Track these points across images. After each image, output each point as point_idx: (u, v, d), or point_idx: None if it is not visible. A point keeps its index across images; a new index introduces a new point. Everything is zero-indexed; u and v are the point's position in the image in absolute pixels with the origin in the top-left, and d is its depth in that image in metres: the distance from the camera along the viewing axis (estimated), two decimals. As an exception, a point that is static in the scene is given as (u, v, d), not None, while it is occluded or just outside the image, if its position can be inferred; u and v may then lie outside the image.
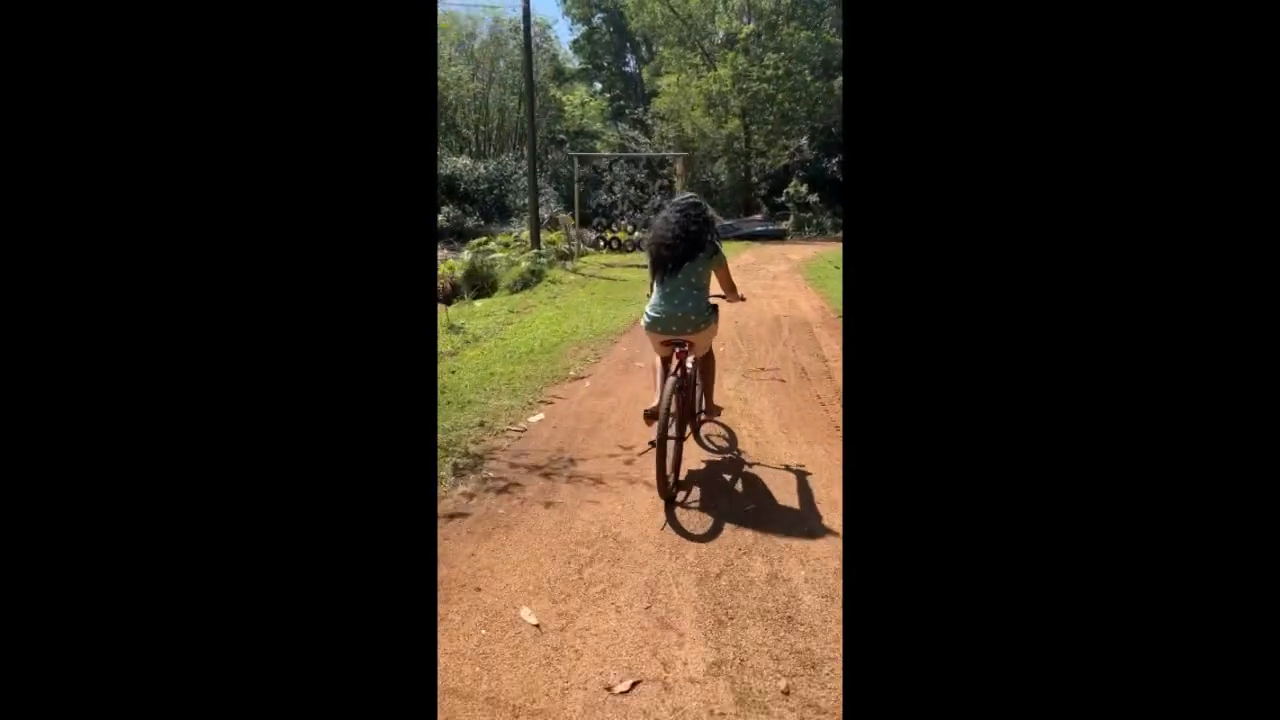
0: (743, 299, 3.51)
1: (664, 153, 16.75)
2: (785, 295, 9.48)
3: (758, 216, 21.01)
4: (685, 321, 3.08)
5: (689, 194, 3.43)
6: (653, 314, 3.14)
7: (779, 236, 19.71)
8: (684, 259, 3.09)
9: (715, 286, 3.40)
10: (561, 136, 33.10)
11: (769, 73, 20.65)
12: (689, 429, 3.35)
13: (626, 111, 30.39)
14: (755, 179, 23.83)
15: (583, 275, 11.70)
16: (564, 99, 32.80)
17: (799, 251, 15.78)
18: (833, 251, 15.57)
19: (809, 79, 21.03)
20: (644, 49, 31.28)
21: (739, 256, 14.93)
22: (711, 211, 3.43)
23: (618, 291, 9.90)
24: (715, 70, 22.42)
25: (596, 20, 34.66)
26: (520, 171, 26.33)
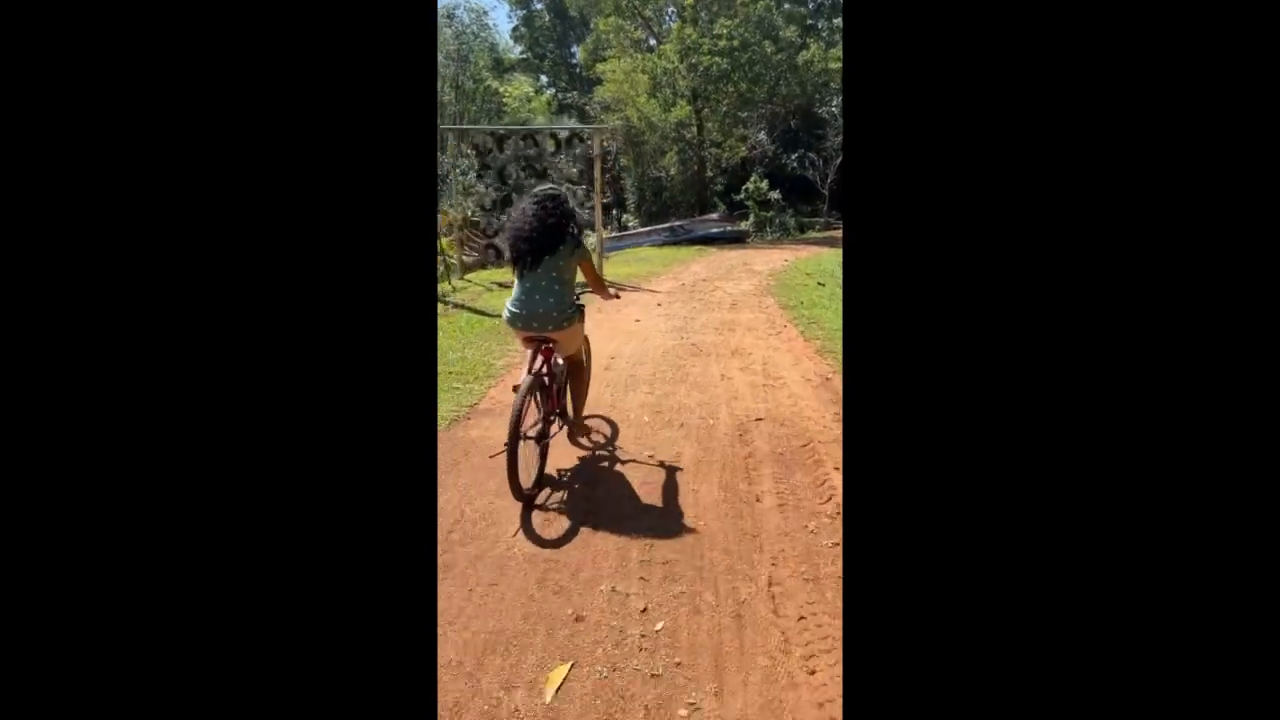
0: (615, 296, 3.26)
1: (571, 127, 12.17)
2: (755, 348, 5.09)
3: (713, 216, 16.69)
4: (546, 318, 2.70)
5: (548, 186, 2.92)
6: (513, 309, 2.74)
7: (738, 239, 15.42)
8: (543, 252, 2.69)
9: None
10: (501, 132, 28.63)
11: (722, 44, 16.18)
12: (557, 427, 2.98)
13: (569, 104, 25.92)
14: (710, 173, 19.45)
15: (446, 305, 7.15)
16: (504, 90, 27.98)
17: (764, 259, 11.46)
18: (807, 258, 11.26)
19: (769, 50, 16.59)
20: (587, 34, 26.56)
21: (687, 267, 10.54)
22: (573, 205, 2.90)
23: (468, 346, 5.36)
24: (661, 46, 17.92)
25: (537, 5, 29.95)
26: (456, 170, 22.08)
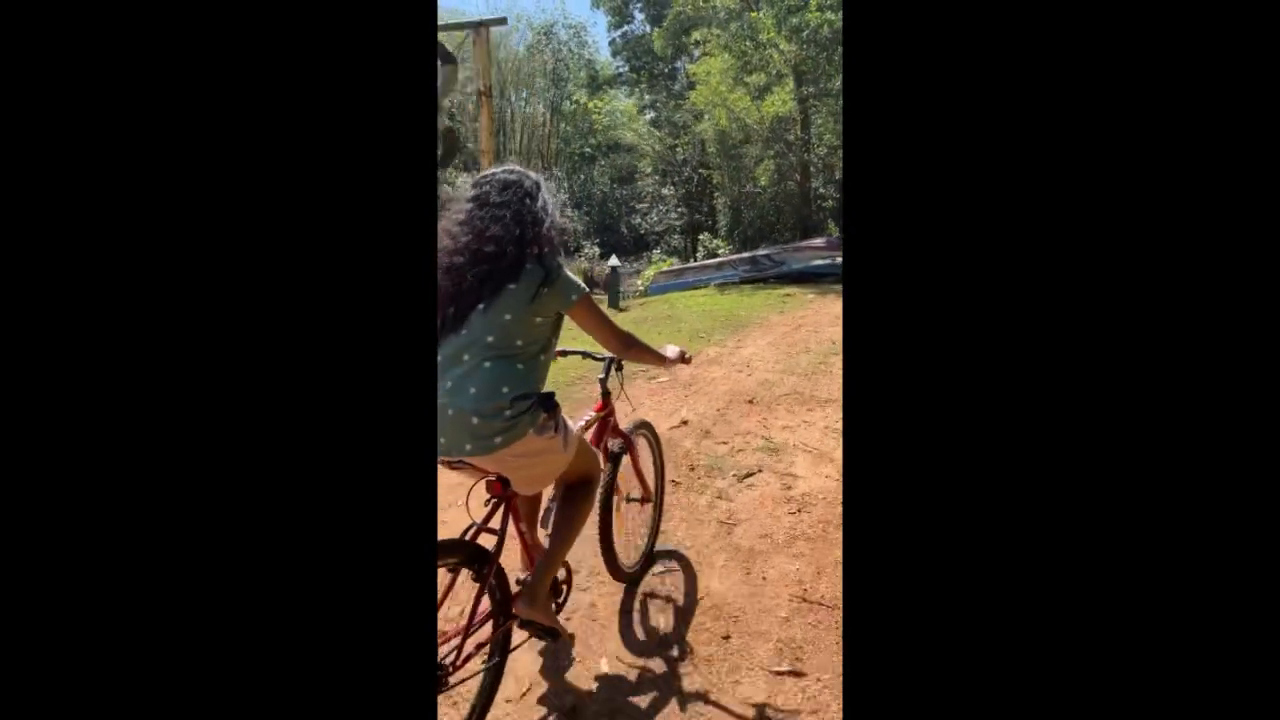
0: (687, 361, 1.60)
1: (446, 24, 6.90)
2: None
3: (818, 242, 10.99)
4: (462, 428, 1.18)
5: (506, 168, 1.29)
6: None
7: (853, 277, 9.56)
8: (476, 296, 1.21)
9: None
10: (588, 150, 24.65)
11: (835, -5, 10.44)
12: (524, 619, 1.40)
13: (661, 113, 21.24)
14: (819, 186, 13.60)
15: None
16: (594, 106, 23.69)
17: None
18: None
19: None
20: (689, 43, 21.55)
21: (740, 344, 5.12)
22: (547, 199, 1.26)
23: None
24: (752, 13, 12.47)
25: (637, 16, 25.63)
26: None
